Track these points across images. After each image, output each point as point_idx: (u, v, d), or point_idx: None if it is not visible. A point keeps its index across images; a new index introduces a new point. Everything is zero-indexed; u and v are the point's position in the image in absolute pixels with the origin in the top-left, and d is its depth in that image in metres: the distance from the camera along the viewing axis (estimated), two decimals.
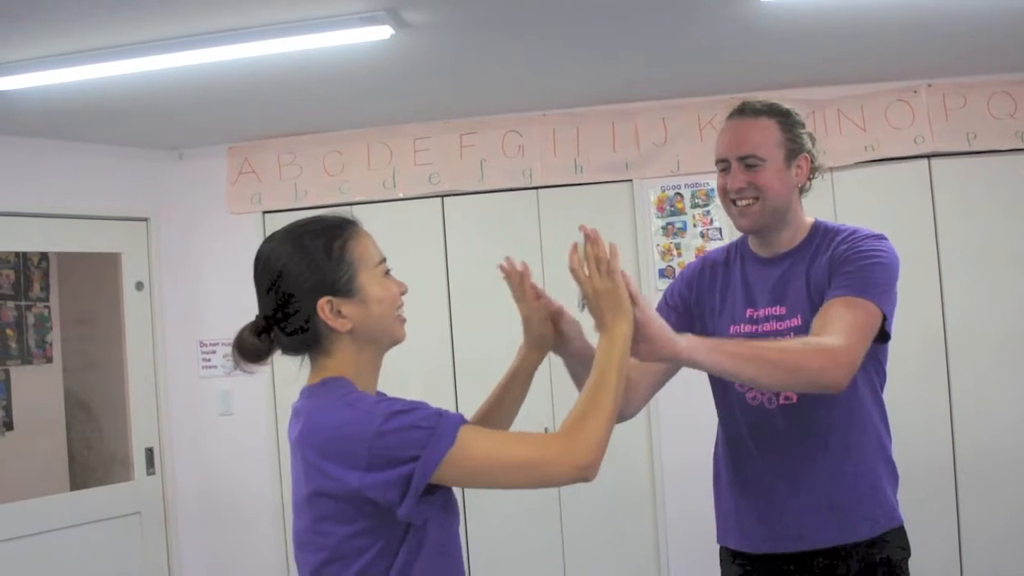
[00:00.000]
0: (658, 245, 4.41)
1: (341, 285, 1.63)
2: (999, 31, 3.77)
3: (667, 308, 2.31)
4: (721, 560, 2.32)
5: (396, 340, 1.72)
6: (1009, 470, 4.28)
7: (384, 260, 1.72)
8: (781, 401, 2.12)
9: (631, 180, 4.50)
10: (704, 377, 2.10)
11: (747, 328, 2.18)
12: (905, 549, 2.15)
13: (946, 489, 4.30)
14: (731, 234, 4.31)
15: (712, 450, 2.36)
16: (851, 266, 2.08)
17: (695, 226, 4.39)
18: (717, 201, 4.32)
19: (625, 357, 1.66)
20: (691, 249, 4.36)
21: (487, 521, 4.49)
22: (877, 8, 3.37)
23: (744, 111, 2.19)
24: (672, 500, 4.42)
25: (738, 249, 2.32)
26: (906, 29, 3.67)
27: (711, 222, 4.39)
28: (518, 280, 1.91)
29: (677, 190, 4.41)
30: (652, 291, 4.27)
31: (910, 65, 4.25)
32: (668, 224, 4.40)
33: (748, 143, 2.15)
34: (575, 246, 1.72)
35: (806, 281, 2.15)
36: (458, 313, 4.64)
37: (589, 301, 1.69)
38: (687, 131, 4.43)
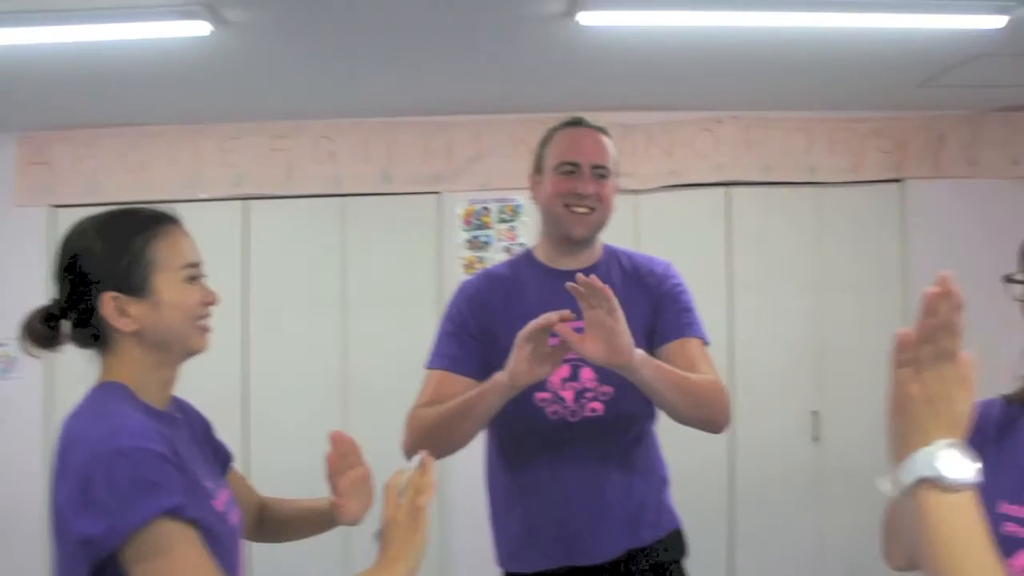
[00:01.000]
0: (462, 258, 4.42)
1: (132, 282, 1.48)
2: (798, 69, 3.96)
3: (462, 336, 2.22)
4: None
5: (192, 350, 1.56)
6: (783, 477, 4.54)
7: (194, 265, 1.56)
8: (587, 413, 2.14)
9: (439, 192, 4.50)
10: None
11: (552, 341, 2.10)
12: (683, 550, 2.28)
13: (722, 495, 4.55)
14: None
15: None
16: (682, 305, 2.22)
17: (500, 240, 4.42)
18: (523, 217, 4.41)
19: None
20: (495, 263, 4.37)
21: None
22: (690, 40, 3.49)
23: (585, 124, 2.22)
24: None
25: (526, 263, 2.30)
26: (715, 61, 3.81)
27: (516, 237, 4.42)
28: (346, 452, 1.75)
29: (485, 204, 4.43)
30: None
31: (716, 96, 4.41)
32: (474, 238, 4.42)
33: (602, 153, 2.19)
34: (397, 473, 1.54)
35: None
36: (257, 322, 4.51)
37: (384, 526, 1.49)
38: (501, 147, 4.46)
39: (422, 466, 1.50)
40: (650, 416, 2.23)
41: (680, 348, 2.15)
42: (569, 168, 2.16)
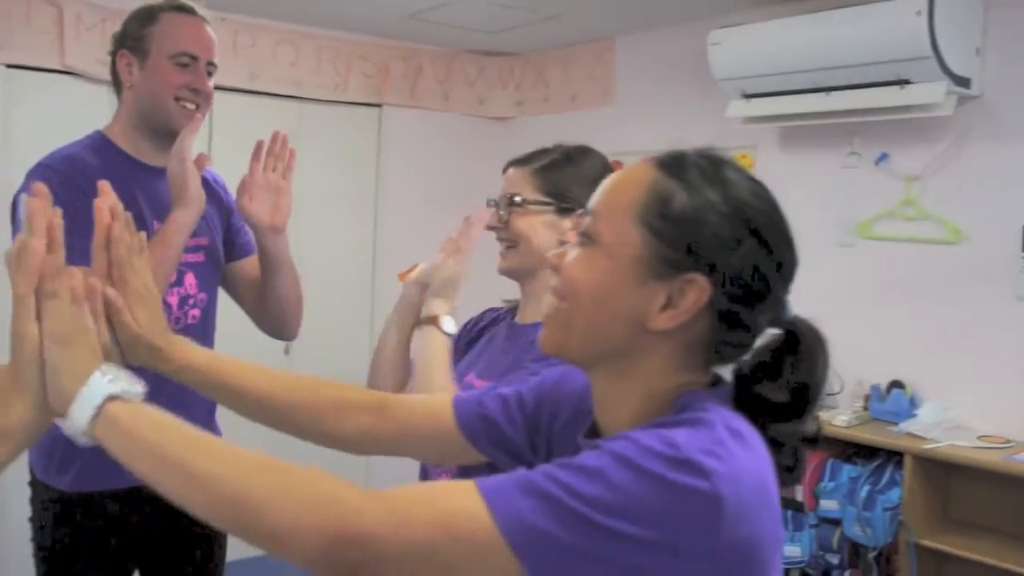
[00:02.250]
0: None
1: None
2: None
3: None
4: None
5: None
6: None
7: None
8: (189, 321, 2.15)
9: None
10: None
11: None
12: None
13: None
14: None
15: None
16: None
17: None
18: None
19: None
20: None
21: None
22: None
23: (198, 14, 2.12)
24: None
25: (112, 154, 2.11)
26: None
27: None
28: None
29: None
30: None
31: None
32: None
33: (216, 50, 2.13)
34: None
35: None
36: None
37: None
38: None
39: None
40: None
41: (253, 264, 2.29)
42: (187, 60, 2.06)
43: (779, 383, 1.03)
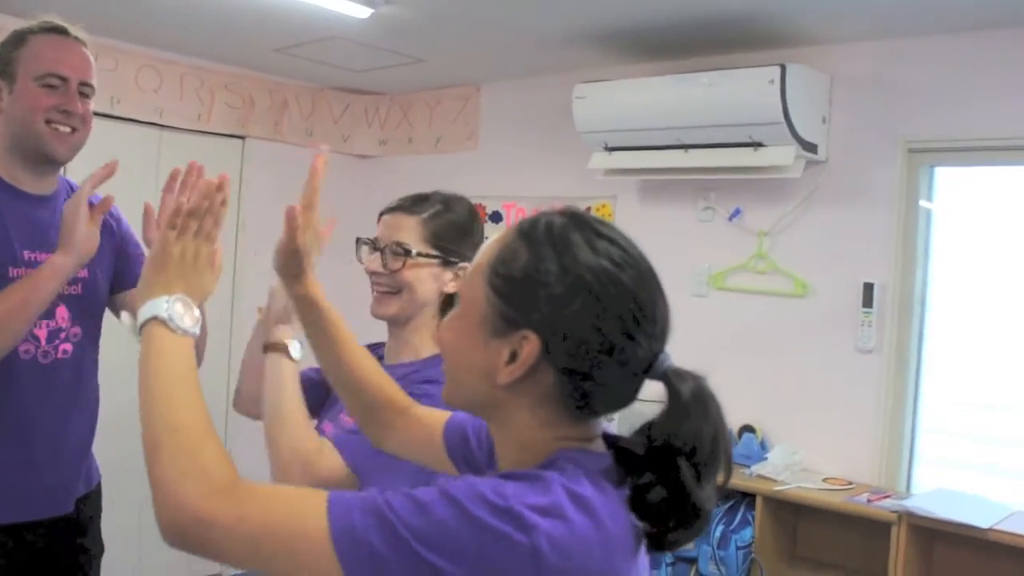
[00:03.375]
0: None
1: None
2: (162, 9, 3.80)
3: None
4: None
5: None
6: None
7: None
8: (59, 355, 2.07)
9: None
10: None
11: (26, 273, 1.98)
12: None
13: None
14: None
15: None
16: (139, 247, 2.25)
17: None
18: None
19: None
20: None
21: None
22: None
23: (70, 35, 2.07)
24: None
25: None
26: None
27: None
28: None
29: None
30: None
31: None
32: None
33: (90, 70, 2.08)
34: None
35: None
36: None
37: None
38: None
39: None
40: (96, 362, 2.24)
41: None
42: (56, 82, 1.98)
43: (639, 435, 1.07)
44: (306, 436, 1.62)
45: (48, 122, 1.99)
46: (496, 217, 4.78)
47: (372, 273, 1.77)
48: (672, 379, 1.08)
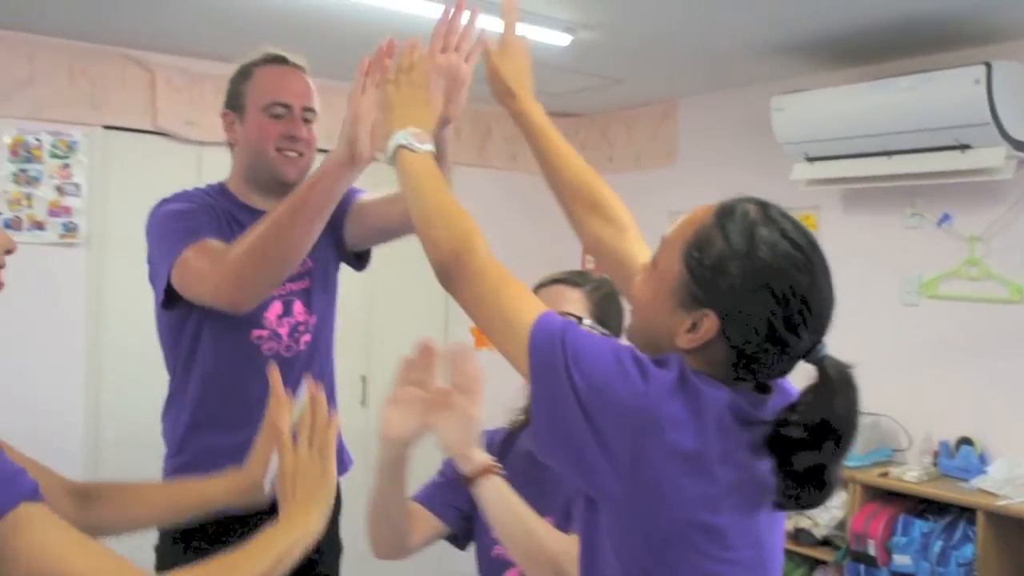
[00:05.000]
0: (6, 192, 3.98)
1: None
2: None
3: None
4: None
5: None
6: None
7: None
8: (300, 347, 2.19)
9: None
10: None
11: None
12: None
13: None
14: (92, 190, 4.10)
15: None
16: None
17: (51, 178, 4.04)
18: (79, 155, 4.10)
19: (291, 558, 1.30)
20: (44, 202, 4.03)
21: None
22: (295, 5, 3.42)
23: (291, 63, 2.15)
24: None
25: (227, 201, 2.18)
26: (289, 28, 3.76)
27: (70, 176, 4.09)
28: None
29: (36, 135, 4.04)
30: None
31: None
32: (21, 171, 4.00)
33: (312, 95, 2.16)
34: (286, 404, 1.45)
35: None
36: None
37: (281, 478, 1.37)
38: (55, 73, 4.07)
39: (312, 403, 1.44)
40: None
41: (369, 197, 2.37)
42: (281, 110, 2.11)
43: (796, 413, 1.22)
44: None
45: (278, 149, 2.11)
46: None
47: None
48: (826, 366, 1.23)
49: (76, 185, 4.09)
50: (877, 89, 3.67)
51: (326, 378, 2.27)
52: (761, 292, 1.21)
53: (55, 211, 4.05)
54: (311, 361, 2.23)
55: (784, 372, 1.29)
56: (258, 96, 2.12)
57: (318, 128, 2.20)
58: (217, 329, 2.10)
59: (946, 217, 3.83)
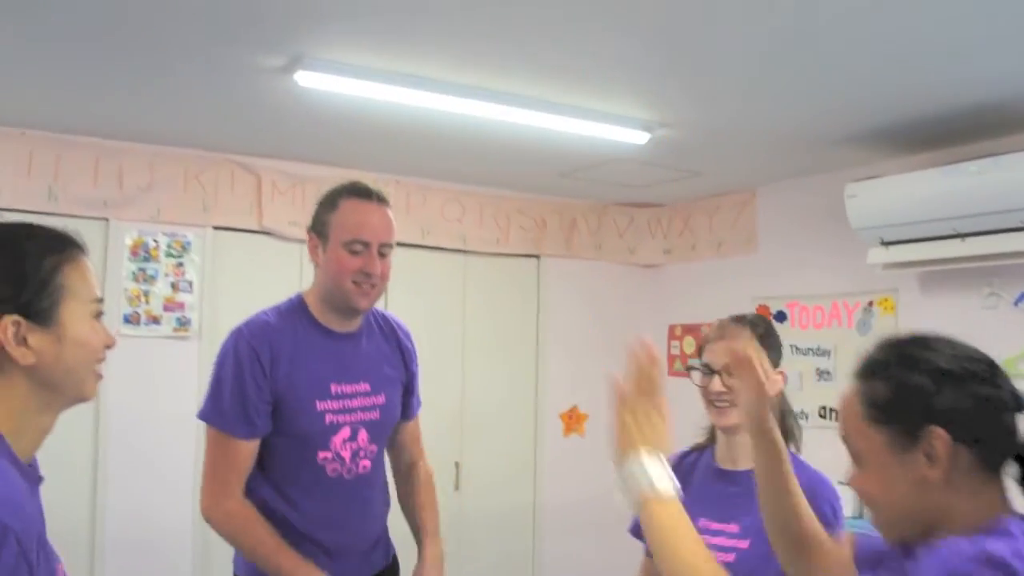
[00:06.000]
0: (126, 289, 4.34)
1: (38, 309, 1.30)
2: (462, 149, 4.33)
3: (259, 399, 2.25)
4: None
5: (83, 397, 1.38)
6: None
7: (101, 300, 1.40)
8: (360, 471, 2.37)
9: (107, 219, 4.36)
10: None
11: (333, 405, 2.32)
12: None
13: None
14: (202, 287, 4.42)
15: None
16: (417, 382, 2.57)
17: (167, 276, 4.41)
18: (192, 254, 4.44)
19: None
20: (160, 298, 4.37)
21: None
22: (382, 111, 3.61)
23: (375, 197, 2.28)
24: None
25: (304, 320, 2.34)
26: (398, 132, 4.00)
27: (183, 274, 4.43)
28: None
29: (154, 237, 4.40)
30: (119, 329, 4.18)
31: (390, 162, 4.61)
32: (140, 270, 4.36)
33: (390, 232, 2.30)
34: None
35: (380, 361, 2.47)
36: None
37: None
38: (172, 180, 4.45)
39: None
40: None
41: (414, 427, 2.61)
42: (360, 247, 2.23)
43: None
44: None
45: (354, 283, 2.24)
46: (780, 317, 4.87)
47: (714, 392, 2.08)
48: None
49: (188, 282, 4.43)
50: (947, 174, 3.76)
51: (384, 494, 2.56)
52: (942, 376, 1.25)
53: (170, 306, 4.39)
54: (372, 484, 2.45)
55: (1016, 435, 1.28)
56: (340, 231, 2.25)
57: (401, 224, 2.42)
58: (284, 445, 2.31)
59: (1022, 296, 3.87)
